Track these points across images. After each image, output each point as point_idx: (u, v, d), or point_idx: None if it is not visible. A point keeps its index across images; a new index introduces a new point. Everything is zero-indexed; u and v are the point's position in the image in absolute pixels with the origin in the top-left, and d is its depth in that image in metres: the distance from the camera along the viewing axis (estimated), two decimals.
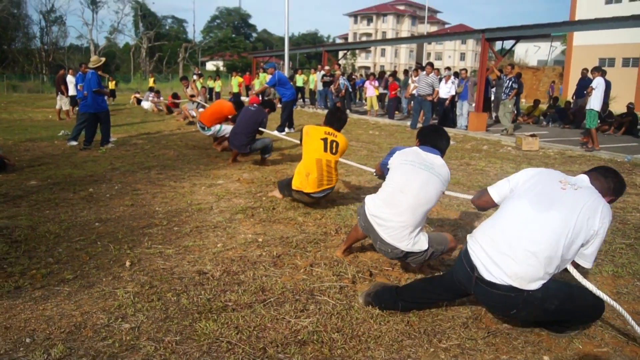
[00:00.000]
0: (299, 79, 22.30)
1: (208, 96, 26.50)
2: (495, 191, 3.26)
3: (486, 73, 15.14)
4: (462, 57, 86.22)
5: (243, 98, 24.48)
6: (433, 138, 3.89)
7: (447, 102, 15.20)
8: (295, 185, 5.41)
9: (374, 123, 15.81)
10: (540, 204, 2.88)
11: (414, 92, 16.69)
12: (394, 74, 17.44)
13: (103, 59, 10.72)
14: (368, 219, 3.70)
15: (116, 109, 21.35)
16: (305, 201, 5.56)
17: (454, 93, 15.35)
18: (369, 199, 3.80)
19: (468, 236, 3.12)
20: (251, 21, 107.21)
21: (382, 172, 4.25)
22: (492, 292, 2.87)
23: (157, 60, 59.93)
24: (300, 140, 5.53)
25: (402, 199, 3.57)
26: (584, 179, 3.03)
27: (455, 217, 5.77)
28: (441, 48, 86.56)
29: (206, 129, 9.64)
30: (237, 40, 77.12)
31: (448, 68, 17.09)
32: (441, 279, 3.34)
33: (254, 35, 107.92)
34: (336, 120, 5.54)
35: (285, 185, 5.77)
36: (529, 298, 2.82)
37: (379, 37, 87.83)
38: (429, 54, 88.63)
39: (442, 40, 59.72)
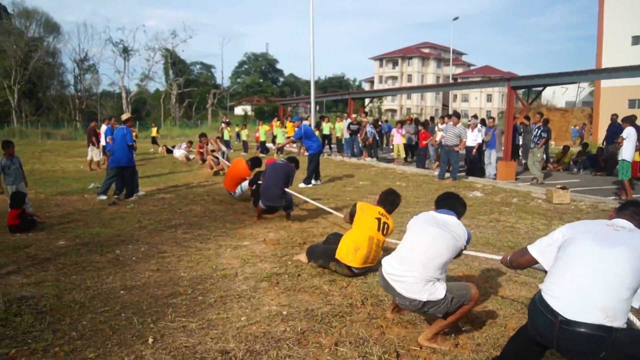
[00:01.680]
0: (326, 127, 22.45)
1: (237, 141, 26.93)
2: (535, 250, 3.29)
3: (513, 121, 15.02)
4: (489, 98, 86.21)
5: (269, 145, 24.85)
6: (449, 202, 4.22)
7: (475, 150, 15.09)
8: (340, 256, 5.44)
9: (401, 173, 15.72)
10: (606, 240, 2.93)
11: (442, 141, 16.75)
12: (425, 123, 17.39)
13: (130, 116, 11.11)
14: (385, 278, 4.01)
15: (142, 159, 21.77)
16: (343, 274, 5.52)
17: (480, 141, 15.25)
18: (385, 261, 4.11)
19: (540, 285, 3.07)
20: (278, 66, 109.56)
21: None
22: (580, 333, 2.75)
23: (187, 106, 61.26)
24: (352, 216, 5.58)
25: (413, 256, 3.88)
26: (625, 223, 3.10)
27: (477, 275, 5.60)
28: (468, 90, 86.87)
29: (234, 194, 10.21)
30: (264, 85, 78.60)
31: (475, 116, 17.00)
32: (516, 343, 3.28)
33: (281, 79, 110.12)
34: (390, 203, 5.61)
35: (320, 254, 5.76)
36: (617, 341, 2.72)
37: (405, 79, 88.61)
38: (455, 96, 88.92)
39: (467, 89, 60.05)
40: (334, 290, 5.11)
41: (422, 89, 41.29)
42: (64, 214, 9.22)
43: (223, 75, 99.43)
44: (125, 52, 57.66)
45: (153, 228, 7.97)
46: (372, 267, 5.53)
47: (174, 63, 62.43)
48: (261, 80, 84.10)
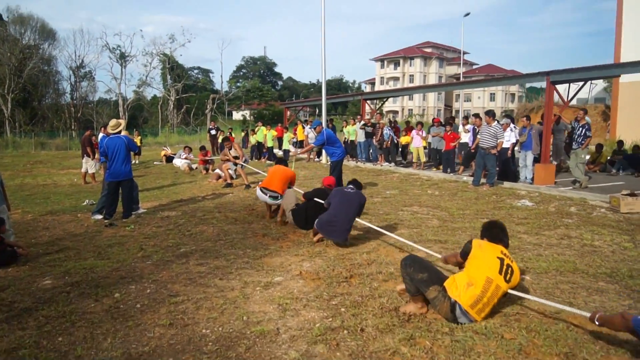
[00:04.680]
0: (352, 131, 21.01)
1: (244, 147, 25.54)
2: None
3: (552, 120, 13.65)
4: (492, 97, 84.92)
5: (276, 151, 23.44)
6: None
7: (509, 151, 13.75)
8: (449, 287, 4.32)
9: (428, 179, 14.33)
10: None
11: (468, 142, 15.39)
12: (448, 122, 15.98)
13: (122, 122, 9.67)
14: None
15: (144, 167, 20.39)
16: (440, 310, 4.34)
17: (514, 141, 13.91)
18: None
19: None
20: (276, 69, 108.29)
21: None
22: None
23: (185, 112, 59.90)
24: (465, 255, 4.50)
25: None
26: None
27: None
28: (470, 89, 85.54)
29: (279, 197, 8.72)
30: (264, 89, 77.19)
31: (508, 116, 15.63)
32: None
33: (280, 83, 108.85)
34: (504, 234, 4.59)
35: (427, 267, 4.57)
36: None
37: (407, 80, 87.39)
38: (457, 96, 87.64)
39: (497, 85, 58.28)
40: (416, 355, 3.71)
41: (438, 87, 39.59)
42: (53, 240, 7.82)
43: (222, 80, 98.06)
44: (122, 58, 56.41)
45: (159, 258, 6.56)
46: (478, 318, 4.24)
47: (172, 68, 61.12)
48: (261, 85, 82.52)
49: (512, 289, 4.37)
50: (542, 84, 15.96)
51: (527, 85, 75.84)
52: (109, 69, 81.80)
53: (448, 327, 4.16)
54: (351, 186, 7.25)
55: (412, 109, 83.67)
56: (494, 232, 4.54)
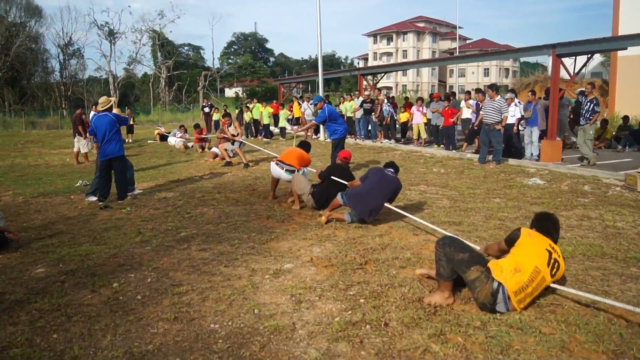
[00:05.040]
0: (349, 107, 20.53)
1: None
2: None
3: (559, 94, 13.25)
4: (486, 72, 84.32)
5: (273, 128, 22.98)
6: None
7: (515, 127, 13.38)
8: (494, 268, 4.00)
9: (431, 156, 13.97)
10: None
11: (471, 118, 15.00)
12: (447, 97, 15.53)
13: (112, 99, 9.23)
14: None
15: (138, 146, 19.92)
16: (480, 297, 3.95)
17: (519, 117, 13.53)
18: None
19: None
20: (268, 45, 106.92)
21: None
22: None
23: (177, 90, 59.05)
24: (511, 243, 4.19)
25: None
26: None
27: None
28: (464, 64, 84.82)
29: (296, 171, 8.22)
30: (256, 65, 76.12)
31: (512, 90, 15.23)
32: None
33: (272, 59, 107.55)
34: (556, 231, 4.28)
35: (466, 247, 4.20)
36: None
37: (400, 55, 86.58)
38: (451, 71, 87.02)
39: (499, 59, 57.14)
40: (449, 353, 3.37)
41: (438, 62, 38.40)
42: (46, 224, 7.42)
43: (214, 57, 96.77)
44: (111, 35, 55.28)
45: (159, 243, 6.18)
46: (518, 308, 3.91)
47: (162, 45, 60.02)
48: (253, 61, 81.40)
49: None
50: (538, 59, 15.61)
51: (522, 59, 75.33)
52: (98, 46, 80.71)
53: (479, 320, 3.81)
54: (391, 170, 6.96)
55: (405, 85, 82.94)
56: (546, 225, 4.23)
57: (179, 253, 5.74)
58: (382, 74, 23.18)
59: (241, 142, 13.61)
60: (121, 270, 5.21)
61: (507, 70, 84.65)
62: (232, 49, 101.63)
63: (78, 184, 10.77)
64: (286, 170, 8.26)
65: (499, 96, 12.34)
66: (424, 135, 16.79)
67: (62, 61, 56.20)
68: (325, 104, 10.83)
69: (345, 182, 7.38)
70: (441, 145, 15.92)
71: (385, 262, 5.20)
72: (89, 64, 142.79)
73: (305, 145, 8.94)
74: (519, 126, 13.83)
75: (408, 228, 6.59)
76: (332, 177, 7.57)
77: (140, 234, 6.61)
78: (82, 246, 6.13)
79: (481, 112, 12.75)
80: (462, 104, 16.09)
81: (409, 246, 5.75)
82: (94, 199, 8.94)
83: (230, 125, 13.72)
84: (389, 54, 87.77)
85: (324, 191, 7.56)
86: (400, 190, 6.92)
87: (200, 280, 4.85)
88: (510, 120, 13.16)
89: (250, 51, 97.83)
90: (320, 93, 20.29)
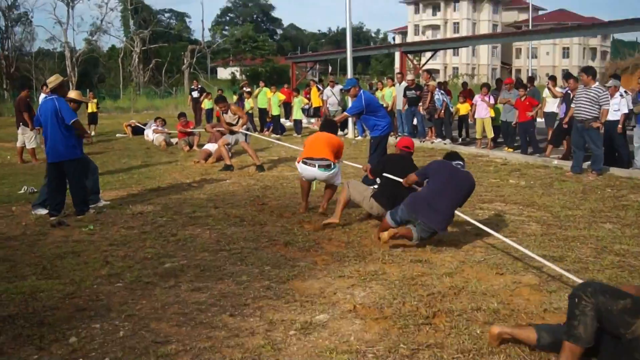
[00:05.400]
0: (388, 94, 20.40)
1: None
2: None
3: None
4: (566, 53, 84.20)
5: (284, 121, 22.82)
6: None
7: (620, 125, 12.93)
8: None
9: (503, 163, 13.64)
10: None
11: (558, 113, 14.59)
12: (523, 84, 15.17)
13: (61, 78, 9.08)
14: None
15: (103, 140, 19.82)
16: None
17: (626, 111, 13.07)
18: None
19: None
20: (274, 14, 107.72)
21: None
22: None
23: (154, 69, 59.47)
24: None
25: None
26: None
27: None
28: (536, 43, 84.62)
29: (332, 166, 8.32)
30: (259, 39, 76.61)
31: (615, 75, 14.80)
32: None
33: (280, 32, 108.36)
34: None
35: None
36: None
37: (449, 29, 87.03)
38: (518, 51, 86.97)
39: (589, 35, 56.65)
40: None
41: (502, 37, 37.96)
42: None
43: (203, 27, 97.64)
44: None
45: (134, 278, 5.82)
46: None
47: (136, 10, 60.79)
48: (255, 33, 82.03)
49: None
50: (638, 36, 15.17)
51: (614, 36, 74.95)
52: (52, 10, 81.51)
53: None
54: (460, 162, 6.96)
55: (457, 67, 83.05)
56: None
57: (163, 293, 5.38)
58: (432, 52, 22.88)
59: (246, 134, 13.03)
60: (81, 317, 4.86)
61: (593, 50, 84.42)
62: (228, 18, 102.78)
63: (22, 191, 10.73)
64: (319, 166, 8.24)
65: (597, 83, 11.90)
66: (490, 133, 16.41)
67: (2, 28, 56.89)
68: (362, 91, 10.71)
69: (400, 179, 7.26)
70: (510, 149, 15.55)
71: (463, 315, 4.79)
72: (39, 33, 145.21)
73: (330, 126, 9.06)
74: (625, 124, 13.41)
75: (488, 264, 6.19)
76: (386, 175, 7.59)
77: (107, 264, 6.32)
78: (25, 280, 5.84)
79: (572, 105, 12.34)
80: (545, 92, 15.75)
81: (494, 291, 5.34)
82: (44, 212, 8.78)
83: (226, 113, 13.18)
84: (435, 27, 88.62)
85: (388, 189, 7.56)
86: (474, 187, 6.96)
87: (196, 335, 4.45)
88: (613, 115, 12.73)
89: (251, 20, 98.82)
90: (349, 76, 20.03)
